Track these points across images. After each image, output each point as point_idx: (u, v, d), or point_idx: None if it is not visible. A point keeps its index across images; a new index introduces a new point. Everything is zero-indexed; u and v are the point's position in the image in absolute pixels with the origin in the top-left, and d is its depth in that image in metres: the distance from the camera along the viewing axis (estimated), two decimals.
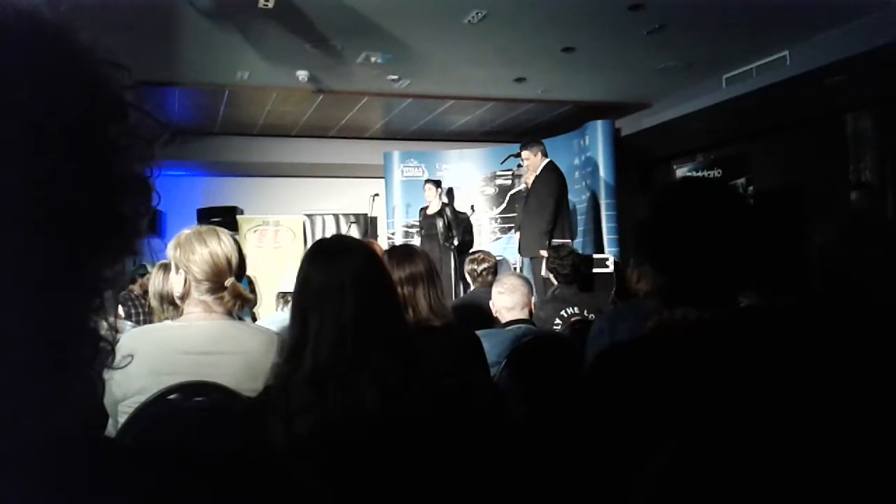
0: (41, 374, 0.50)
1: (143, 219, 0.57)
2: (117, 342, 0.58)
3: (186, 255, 2.08)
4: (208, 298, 2.10)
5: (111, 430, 1.93)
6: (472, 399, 1.77)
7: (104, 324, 0.55)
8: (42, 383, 0.50)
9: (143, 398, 1.86)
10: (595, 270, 7.29)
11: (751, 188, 8.18)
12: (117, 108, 0.55)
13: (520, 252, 7.29)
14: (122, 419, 1.88)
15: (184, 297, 2.14)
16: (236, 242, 2.19)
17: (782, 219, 6.97)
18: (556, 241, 6.38)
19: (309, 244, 1.69)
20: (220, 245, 2.09)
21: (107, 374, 0.56)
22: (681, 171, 9.37)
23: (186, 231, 2.14)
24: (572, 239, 7.01)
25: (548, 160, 7.04)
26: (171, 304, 2.50)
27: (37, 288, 0.48)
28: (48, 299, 0.50)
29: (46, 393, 0.50)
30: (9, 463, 0.47)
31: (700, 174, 8.65)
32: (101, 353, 0.55)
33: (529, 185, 7.13)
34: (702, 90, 7.92)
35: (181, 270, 2.10)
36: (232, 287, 2.09)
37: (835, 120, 7.62)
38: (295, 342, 1.50)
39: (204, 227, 2.17)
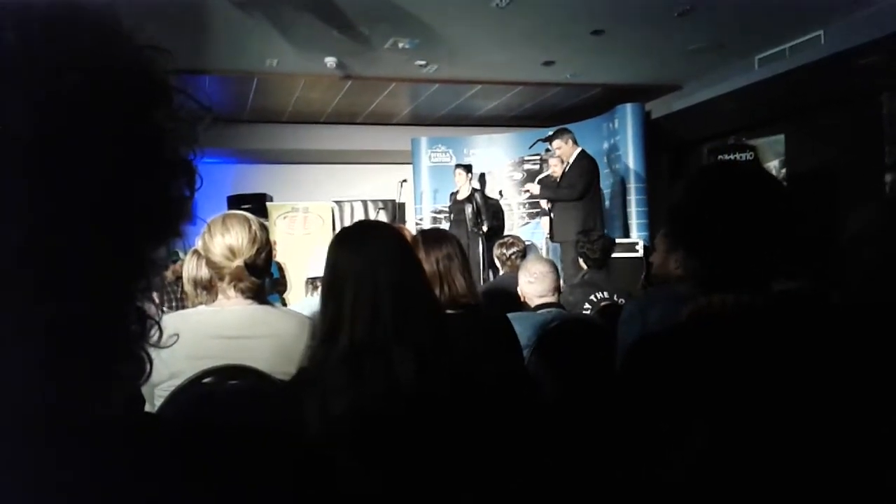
0: (95, 353, 0.51)
1: (188, 201, 0.58)
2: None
3: (206, 243, 2.10)
4: (224, 285, 2.11)
5: None
6: (505, 380, 1.78)
7: (150, 304, 0.57)
8: (95, 362, 0.51)
9: (178, 382, 1.88)
10: (625, 255, 7.26)
11: (784, 170, 8.05)
12: (161, 92, 0.56)
13: (551, 238, 7.29)
14: (157, 402, 1.91)
15: (215, 282, 2.16)
16: (264, 228, 2.20)
17: (817, 202, 6.87)
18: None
19: (338, 230, 1.71)
20: (233, 235, 2.08)
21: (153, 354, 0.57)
22: (712, 154, 9.23)
23: (213, 218, 2.15)
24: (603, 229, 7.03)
25: (580, 148, 7.08)
26: (205, 290, 2.53)
27: (90, 269, 0.50)
28: (101, 280, 0.51)
29: (99, 371, 0.52)
30: (63, 437, 0.49)
31: (732, 157, 8.52)
32: (148, 331, 0.56)
33: (560, 175, 7.13)
34: (734, 72, 7.79)
35: (203, 257, 2.11)
36: (235, 270, 2.08)
37: (870, 100, 7.46)
38: (330, 323, 1.51)
39: (231, 213, 2.18)
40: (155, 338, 0.57)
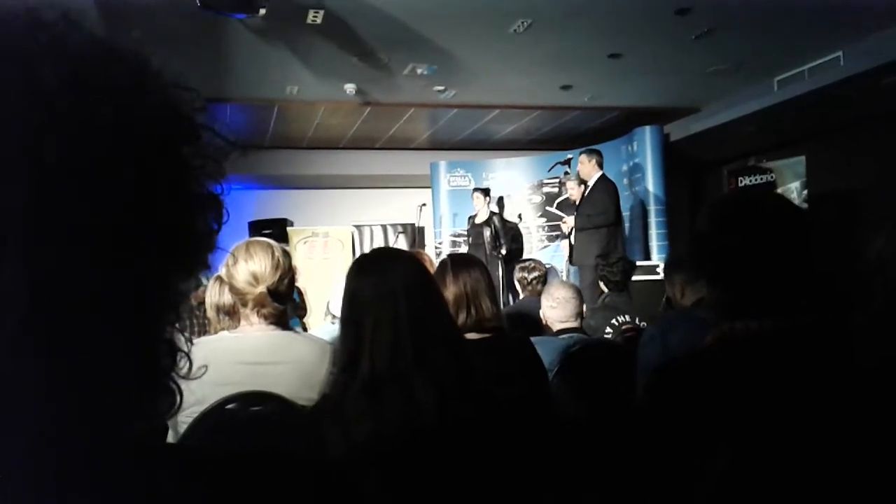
0: (130, 386, 0.52)
1: (216, 234, 0.59)
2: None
3: (230, 269, 2.12)
4: (247, 311, 2.13)
5: (171, 440, 1.97)
6: (529, 405, 1.77)
7: (180, 335, 0.58)
8: (129, 395, 0.52)
9: (201, 408, 1.89)
10: (645, 278, 7.22)
11: (805, 192, 7.99)
12: (189, 129, 0.57)
13: (571, 262, 7.28)
14: (181, 429, 1.92)
15: (238, 308, 2.17)
16: (287, 254, 2.21)
17: (839, 224, 6.81)
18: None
19: (357, 255, 1.72)
20: (256, 261, 2.10)
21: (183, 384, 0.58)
22: (732, 176, 9.19)
23: (237, 244, 2.17)
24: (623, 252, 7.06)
25: (601, 172, 7.11)
26: (228, 316, 2.54)
27: (122, 302, 0.51)
28: (136, 313, 0.52)
29: (132, 404, 0.53)
30: (94, 466, 0.50)
31: (752, 179, 8.47)
32: (178, 363, 0.57)
33: (578, 197, 7.15)
34: (752, 93, 7.78)
35: (226, 284, 2.13)
36: (258, 297, 2.09)
37: (891, 121, 7.41)
38: (350, 351, 1.51)
39: (254, 240, 2.20)
40: (185, 369, 0.58)
